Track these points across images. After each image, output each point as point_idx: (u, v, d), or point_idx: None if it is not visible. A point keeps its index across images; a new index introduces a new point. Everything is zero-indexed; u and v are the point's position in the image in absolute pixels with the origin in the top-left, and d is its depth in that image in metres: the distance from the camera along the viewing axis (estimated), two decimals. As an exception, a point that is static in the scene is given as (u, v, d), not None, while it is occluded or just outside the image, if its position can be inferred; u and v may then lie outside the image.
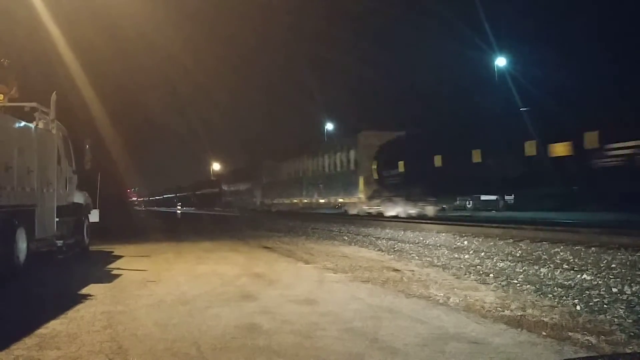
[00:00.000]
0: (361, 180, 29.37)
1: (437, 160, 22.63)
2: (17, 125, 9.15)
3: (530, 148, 17.31)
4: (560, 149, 16.32)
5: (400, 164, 25.49)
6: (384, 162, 27.29)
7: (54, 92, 11.11)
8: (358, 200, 30.31)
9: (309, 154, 37.99)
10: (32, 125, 9.90)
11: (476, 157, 20.05)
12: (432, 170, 22.86)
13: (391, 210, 26.51)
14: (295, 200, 39.63)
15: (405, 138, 27.97)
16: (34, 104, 10.60)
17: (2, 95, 10.20)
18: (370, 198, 29.04)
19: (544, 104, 18.80)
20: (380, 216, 26.61)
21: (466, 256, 10.72)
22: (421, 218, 22.99)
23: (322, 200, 35.77)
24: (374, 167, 28.11)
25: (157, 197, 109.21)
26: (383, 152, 27.75)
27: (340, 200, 33.00)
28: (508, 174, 19.12)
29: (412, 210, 25.13)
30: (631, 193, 15.80)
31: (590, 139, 15.28)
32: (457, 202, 30.03)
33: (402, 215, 25.33)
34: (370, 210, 28.74)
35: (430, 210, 24.50)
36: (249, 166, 54.22)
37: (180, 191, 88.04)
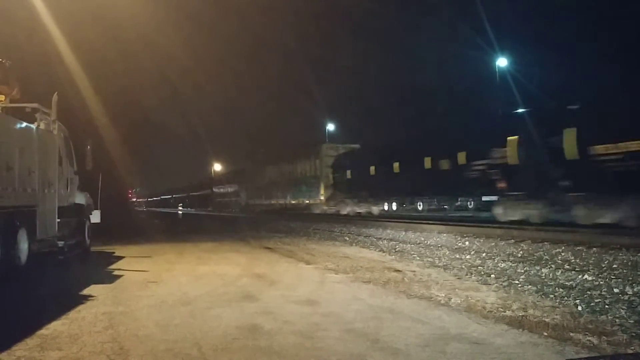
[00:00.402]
0: (322, 185, 35.68)
1: (372, 170, 28.35)
2: (18, 126, 9.16)
3: (427, 163, 22.74)
4: (444, 164, 21.66)
5: (348, 172, 31.41)
6: (338, 170, 33.32)
7: (55, 93, 11.12)
8: (320, 202, 36.17)
9: (284, 162, 43.77)
10: (33, 126, 9.91)
11: (395, 168, 25.75)
12: (368, 177, 28.67)
13: (344, 210, 31.95)
14: (273, 202, 44.95)
15: (352, 151, 34.54)
16: (35, 105, 10.61)
17: (3, 96, 10.21)
18: (328, 200, 34.95)
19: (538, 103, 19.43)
20: (381, 217, 27.29)
21: (467, 257, 10.72)
22: (388, 217, 26.64)
23: (293, 202, 41.21)
24: (330, 174, 34.17)
25: (155, 198, 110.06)
26: (337, 162, 34.14)
27: (307, 201, 38.56)
28: (415, 182, 24.52)
29: (360, 210, 30.07)
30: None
31: (461, 157, 20.39)
32: (459, 203, 30.35)
33: (352, 214, 30.28)
34: (330, 210, 34.10)
35: (375, 209, 29.22)
36: (236, 171, 60.47)
37: (176, 192, 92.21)
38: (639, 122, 13.11)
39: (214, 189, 67.90)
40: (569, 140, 14.78)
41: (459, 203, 30.09)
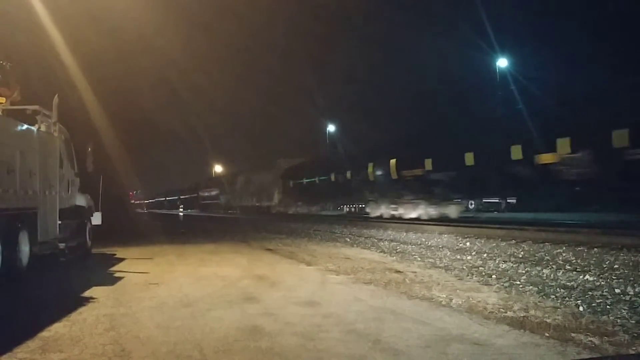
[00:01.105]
0: (276, 191, 46.83)
1: (304, 181, 39.46)
2: (19, 128, 9.16)
3: (370, 169, 28.51)
4: (340, 178, 32.83)
5: (291, 182, 41.86)
6: (287, 179, 43.73)
7: (56, 95, 11.12)
8: (275, 204, 47.45)
9: (252, 172, 56.13)
10: (34, 128, 9.92)
11: (332, 178, 34.02)
12: (303, 186, 39.60)
13: (291, 210, 43.18)
14: (244, 204, 55.24)
15: (295, 164, 44.30)
16: (36, 107, 10.62)
17: (4, 98, 10.21)
18: (280, 202, 46.55)
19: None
20: (381, 218, 27.68)
21: (468, 257, 10.71)
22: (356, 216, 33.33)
23: (257, 204, 51.97)
24: (282, 182, 44.98)
25: (153, 200, 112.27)
26: (286, 173, 44.68)
27: (266, 204, 49.78)
28: (334, 190, 34.26)
29: (303, 210, 41.30)
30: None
31: (348, 174, 31.32)
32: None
33: (296, 213, 40.93)
34: (284, 211, 44.42)
35: (315, 209, 40.73)
36: (216, 178, 74.76)
37: (170, 195, 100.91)
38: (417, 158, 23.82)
39: (199, 193, 77.30)
40: (392, 167, 26.15)
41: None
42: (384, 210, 28.34)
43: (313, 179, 37.78)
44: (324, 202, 39.91)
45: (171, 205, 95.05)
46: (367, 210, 31.03)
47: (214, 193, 70.00)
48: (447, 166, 22.26)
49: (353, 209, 41.06)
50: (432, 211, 24.23)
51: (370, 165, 28.51)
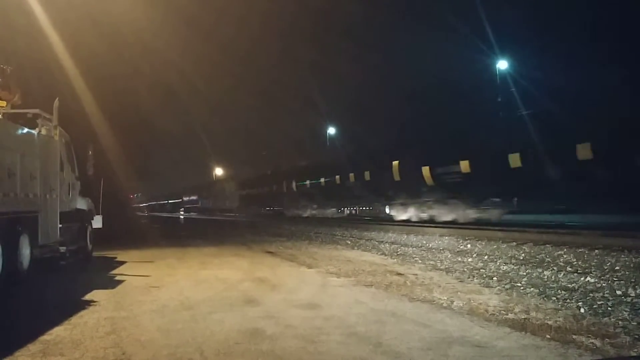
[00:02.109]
0: (237, 197, 61.57)
1: (252, 190, 54.84)
2: (20, 131, 9.17)
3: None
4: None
5: (244, 191, 56.12)
6: (242, 188, 59.93)
7: (57, 99, 11.13)
8: (235, 207, 60.89)
9: (220, 182, 74.67)
10: (34, 131, 9.92)
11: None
12: (252, 194, 54.84)
13: (244, 212, 55.88)
14: (213, 206, 69.92)
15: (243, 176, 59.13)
16: (36, 111, 10.62)
17: (4, 102, 10.21)
18: (238, 207, 59.95)
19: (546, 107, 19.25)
20: (383, 220, 27.35)
21: (469, 259, 10.71)
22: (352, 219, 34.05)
23: (223, 207, 65.06)
24: (238, 191, 61.60)
25: (153, 203, 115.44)
26: (239, 183, 61.77)
27: (229, 206, 63.72)
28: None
29: (254, 212, 53.62)
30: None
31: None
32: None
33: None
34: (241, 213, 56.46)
35: (267, 212, 53.22)
36: (195, 186, 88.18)
37: (171, 198, 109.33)
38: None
39: (183, 198, 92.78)
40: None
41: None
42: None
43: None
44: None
45: (173, 208, 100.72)
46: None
47: (194, 198, 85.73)
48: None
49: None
50: (472, 214, 22.39)
51: (396, 164, 26.50)
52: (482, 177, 21.16)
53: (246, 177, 60.76)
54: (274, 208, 53.33)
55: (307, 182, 38.83)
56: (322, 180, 36.10)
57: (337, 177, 33.75)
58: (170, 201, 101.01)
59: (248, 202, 57.33)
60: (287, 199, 44.06)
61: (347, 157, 35.91)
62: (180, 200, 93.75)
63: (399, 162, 26.58)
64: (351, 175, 31.45)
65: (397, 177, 26.58)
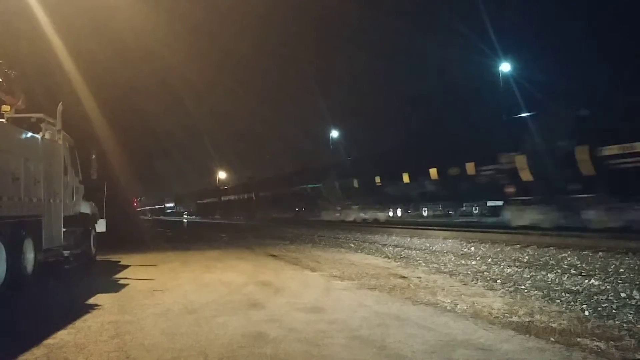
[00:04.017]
0: (195, 204, 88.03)
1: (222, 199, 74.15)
2: (23, 136, 9.20)
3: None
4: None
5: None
6: (197, 198, 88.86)
7: (60, 103, 11.17)
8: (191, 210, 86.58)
9: (201, 193, 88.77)
10: (38, 136, 9.95)
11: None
12: (220, 204, 73.95)
13: (218, 218, 66.50)
14: (189, 213, 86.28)
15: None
16: (40, 115, 10.66)
17: (9, 107, 10.25)
18: (215, 214, 74.91)
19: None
20: (385, 223, 27.18)
21: (473, 262, 10.69)
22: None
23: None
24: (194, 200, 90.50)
25: (156, 207, 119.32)
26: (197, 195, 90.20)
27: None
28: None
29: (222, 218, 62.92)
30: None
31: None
32: (464, 208, 30.46)
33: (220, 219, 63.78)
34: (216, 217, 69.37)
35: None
36: (177, 195, 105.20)
37: (171, 202, 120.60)
38: None
39: (165, 204, 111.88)
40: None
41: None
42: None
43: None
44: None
45: (161, 212, 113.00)
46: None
47: (172, 204, 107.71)
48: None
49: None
50: None
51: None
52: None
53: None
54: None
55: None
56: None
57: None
58: (157, 206, 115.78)
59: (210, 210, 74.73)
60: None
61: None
62: (163, 206, 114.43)
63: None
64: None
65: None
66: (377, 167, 30.58)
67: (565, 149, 16.60)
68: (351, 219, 34.17)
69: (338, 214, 36.73)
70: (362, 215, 33.40)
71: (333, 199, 37.24)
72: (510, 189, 19.41)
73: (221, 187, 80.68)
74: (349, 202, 35.14)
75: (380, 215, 31.55)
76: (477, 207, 33.59)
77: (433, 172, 24.31)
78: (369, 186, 31.18)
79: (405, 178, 27.01)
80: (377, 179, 30.12)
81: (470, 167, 21.66)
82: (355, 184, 33.44)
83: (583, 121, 16.47)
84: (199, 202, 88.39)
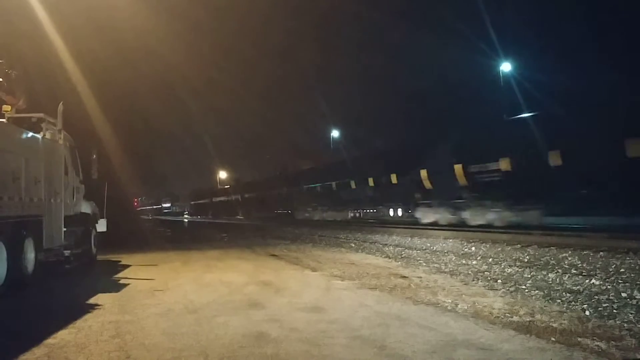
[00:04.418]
0: (189, 204, 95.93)
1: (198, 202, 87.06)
2: (24, 135, 9.21)
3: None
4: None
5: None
6: (191, 199, 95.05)
7: (61, 103, 11.17)
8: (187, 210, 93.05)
9: (194, 194, 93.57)
10: (39, 135, 9.96)
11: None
12: (211, 204, 77.27)
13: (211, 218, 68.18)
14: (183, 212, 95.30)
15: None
16: (41, 115, 10.66)
17: (9, 107, 10.26)
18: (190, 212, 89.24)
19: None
20: (387, 223, 27.37)
21: (474, 262, 10.69)
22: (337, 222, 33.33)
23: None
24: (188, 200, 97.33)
25: (157, 207, 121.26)
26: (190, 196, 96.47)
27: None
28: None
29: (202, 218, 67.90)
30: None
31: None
32: None
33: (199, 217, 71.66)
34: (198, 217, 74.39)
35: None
36: (172, 194, 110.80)
37: (174, 201, 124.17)
38: None
39: (162, 204, 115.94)
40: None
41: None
42: None
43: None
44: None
45: (179, 211, 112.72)
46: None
47: (168, 204, 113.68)
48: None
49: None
50: None
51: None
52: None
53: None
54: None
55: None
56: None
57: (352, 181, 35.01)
58: (154, 206, 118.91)
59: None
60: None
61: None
62: (160, 206, 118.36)
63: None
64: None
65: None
66: (332, 175, 36.91)
67: (449, 166, 22.26)
68: (317, 218, 40.14)
69: (307, 214, 42.59)
70: (324, 215, 39.41)
71: (304, 201, 43.37)
72: (418, 195, 25.90)
73: (212, 189, 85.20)
74: (315, 204, 41.39)
75: (337, 215, 37.76)
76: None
77: (370, 180, 30.80)
78: (327, 191, 37.73)
79: (352, 184, 33.26)
80: (334, 185, 36.36)
81: (394, 178, 28.09)
82: (318, 189, 39.78)
83: (460, 147, 22.50)
84: (192, 202, 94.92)
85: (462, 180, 21.77)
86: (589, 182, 16.74)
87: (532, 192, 18.94)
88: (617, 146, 15.10)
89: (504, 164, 19.64)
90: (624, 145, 14.97)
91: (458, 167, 21.77)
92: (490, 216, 20.56)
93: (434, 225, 23.13)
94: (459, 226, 21.39)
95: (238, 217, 59.93)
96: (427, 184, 24.49)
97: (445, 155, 22.73)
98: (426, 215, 25.08)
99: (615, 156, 15.23)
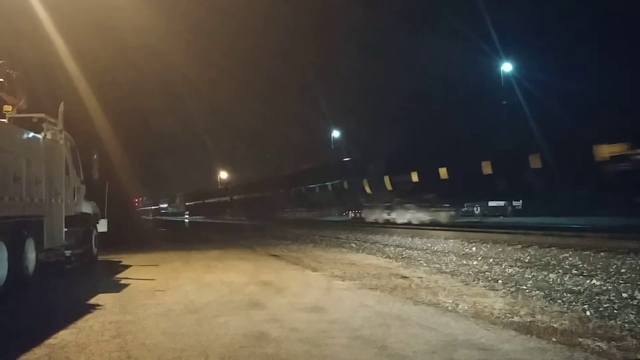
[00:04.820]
0: (184, 205, 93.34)
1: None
2: (25, 136, 9.21)
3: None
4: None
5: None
6: (185, 200, 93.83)
7: (62, 103, 11.17)
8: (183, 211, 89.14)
9: (184, 196, 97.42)
10: (40, 136, 9.97)
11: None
12: (204, 205, 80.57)
13: (189, 218, 70.05)
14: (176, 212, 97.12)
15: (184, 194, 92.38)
16: (42, 115, 10.67)
17: (10, 107, 10.26)
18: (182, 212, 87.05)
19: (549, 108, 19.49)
20: (386, 223, 27.58)
21: (474, 262, 10.69)
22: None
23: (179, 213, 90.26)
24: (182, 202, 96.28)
25: (157, 207, 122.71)
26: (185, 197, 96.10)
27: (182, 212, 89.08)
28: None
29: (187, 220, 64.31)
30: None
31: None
32: (465, 209, 31.25)
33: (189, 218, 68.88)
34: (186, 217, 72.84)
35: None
36: (169, 195, 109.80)
37: (151, 204, 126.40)
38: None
39: (160, 205, 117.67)
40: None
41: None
42: None
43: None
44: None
45: (175, 211, 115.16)
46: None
47: (165, 205, 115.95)
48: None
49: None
50: None
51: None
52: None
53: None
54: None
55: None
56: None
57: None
58: (152, 207, 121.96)
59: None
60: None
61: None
62: (157, 206, 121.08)
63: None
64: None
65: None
66: (303, 181, 42.82)
67: (381, 176, 28.87)
68: (297, 216, 46.13)
69: (286, 215, 48.27)
70: (298, 215, 46.11)
71: (285, 203, 48.76)
72: (362, 199, 32.53)
73: (206, 190, 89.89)
74: (292, 205, 47.55)
75: (307, 215, 44.03)
76: (479, 208, 33.85)
77: (328, 186, 36.96)
78: (299, 193, 43.47)
79: (317, 189, 39.30)
80: (303, 189, 42.36)
81: (345, 184, 34.28)
82: (293, 192, 45.17)
83: (390, 161, 29.20)
84: (187, 203, 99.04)
85: (389, 187, 28.54)
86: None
87: (440, 196, 24.95)
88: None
89: (414, 177, 26.09)
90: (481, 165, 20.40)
91: (387, 177, 28.68)
92: (408, 216, 26.65)
93: (430, 225, 23.27)
94: (460, 226, 21.41)
95: (232, 217, 61.73)
96: (368, 190, 31.14)
97: (380, 168, 29.50)
98: (371, 215, 31.23)
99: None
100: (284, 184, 47.47)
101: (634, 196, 17.45)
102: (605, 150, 16.08)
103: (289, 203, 47.50)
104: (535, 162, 18.74)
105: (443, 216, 24.97)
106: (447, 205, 25.51)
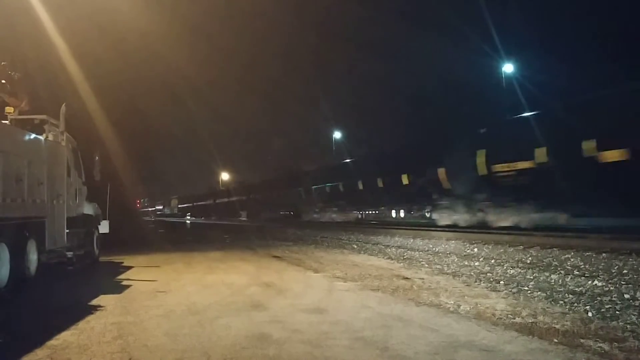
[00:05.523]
0: (177, 207, 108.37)
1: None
2: (27, 137, 9.23)
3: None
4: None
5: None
6: (179, 202, 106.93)
7: (64, 104, 11.19)
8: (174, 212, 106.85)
9: (184, 197, 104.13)
10: (42, 137, 9.98)
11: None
12: (196, 207, 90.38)
13: (185, 219, 78.40)
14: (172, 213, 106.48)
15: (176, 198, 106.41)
16: (43, 117, 10.69)
17: (12, 108, 10.29)
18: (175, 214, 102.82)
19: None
20: (388, 224, 27.47)
21: (476, 263, 10.68)
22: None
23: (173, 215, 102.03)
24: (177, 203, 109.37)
25: (159, 208, 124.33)
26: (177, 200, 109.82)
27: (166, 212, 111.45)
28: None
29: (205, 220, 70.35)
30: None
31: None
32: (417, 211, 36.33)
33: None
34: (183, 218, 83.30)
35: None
36: (167, 199, 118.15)
37: (151, 206, 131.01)
38: None
39: (156, 206, 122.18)
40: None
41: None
42: None
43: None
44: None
45: (170, 213, 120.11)
46: None
47: (160, 207, 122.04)
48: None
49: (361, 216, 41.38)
50: None
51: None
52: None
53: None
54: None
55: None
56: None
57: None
58: (150, 209, 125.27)
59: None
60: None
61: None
62: (154, 208, 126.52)
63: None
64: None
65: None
66: (285, 184, 46.90)
67: (355, 182, 32.82)
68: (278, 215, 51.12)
69: (316, 215, 49.25)
70: (271, 214, 51.24)
71: (266, 205, 53.65)
72: (341, 202, 36.74)
73: (197, 193, 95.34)
74: (270, 207, 52.36)
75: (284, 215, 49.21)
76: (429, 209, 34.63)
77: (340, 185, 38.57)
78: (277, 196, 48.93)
79: (301, 193, 42.88)
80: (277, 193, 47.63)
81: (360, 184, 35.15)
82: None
83: (367, 169, 32.11)
84: (179, 205, 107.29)
85: (366, 193, 32.10)
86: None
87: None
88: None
89: (405, 179, 27.03)
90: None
91: (359, 182, 32.27)
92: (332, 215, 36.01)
93: (437, 226, 23.25)
94: (462, 227, 21.40)
95: (241, 218, 61.80)
96: (341, 195, 35.64)
97: (350, 175, 33.77)
98: (346, 216, 37.40)
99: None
100: (310, 180, 44.46)
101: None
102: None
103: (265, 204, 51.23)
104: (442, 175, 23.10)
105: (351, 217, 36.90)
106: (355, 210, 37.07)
